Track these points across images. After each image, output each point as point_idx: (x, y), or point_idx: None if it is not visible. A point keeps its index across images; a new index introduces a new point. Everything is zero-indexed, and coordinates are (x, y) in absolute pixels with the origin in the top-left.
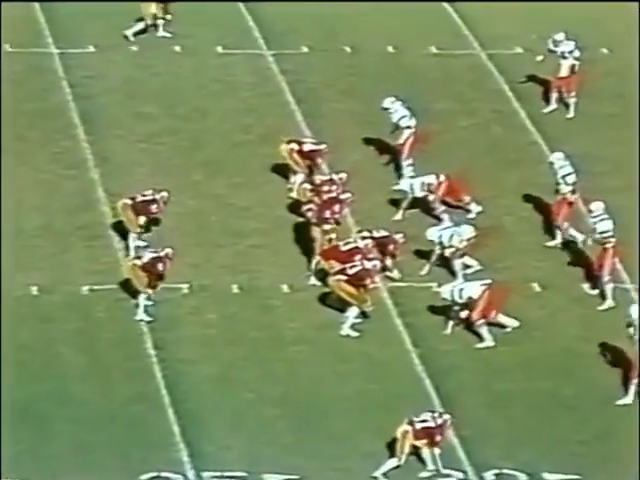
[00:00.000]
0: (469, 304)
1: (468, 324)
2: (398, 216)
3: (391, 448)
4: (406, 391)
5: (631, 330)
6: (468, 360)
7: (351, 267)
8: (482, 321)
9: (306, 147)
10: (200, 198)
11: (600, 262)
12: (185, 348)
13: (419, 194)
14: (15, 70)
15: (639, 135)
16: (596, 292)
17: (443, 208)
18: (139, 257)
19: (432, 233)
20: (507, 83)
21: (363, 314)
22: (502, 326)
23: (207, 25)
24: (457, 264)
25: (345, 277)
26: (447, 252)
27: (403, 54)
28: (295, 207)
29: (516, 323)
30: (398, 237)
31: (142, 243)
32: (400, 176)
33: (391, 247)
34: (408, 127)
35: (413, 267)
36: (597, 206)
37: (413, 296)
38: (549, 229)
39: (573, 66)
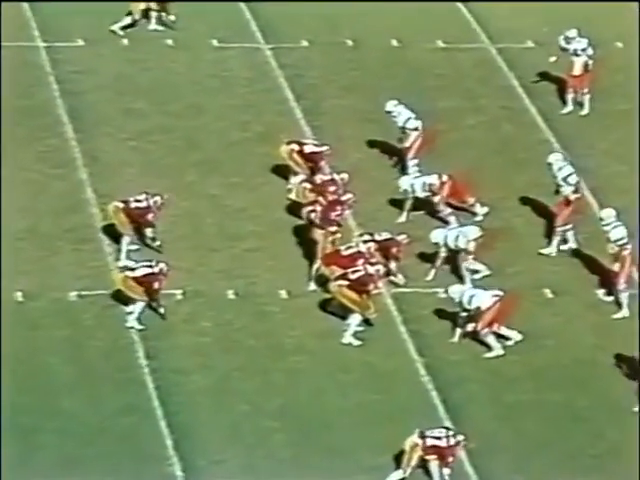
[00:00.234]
0: (475, 315)
1: (474, 335)
2: (402, 218)
3: (398, 460)
4: (411, 403)
5: None
6: (477, 370)
7: (353, 272)
8: (487, 330)
9: (307, 148)
10: (194, 199)
11: (616, 269)
12: (178, 357)
13: (420, 194)
14: None
15: (639, 134)
16: (611, 299)
17: (449, 210)
18: (131, 269)
19: (437, 235)
20: (517, 79)
21: (366, 321)
22: (505, 338)
23: (201, 17)
24: (464, 268)
25: (347, 282)
26: (454, 254)
27: (408, 48)
28: (294, 209)
29: (519, 336)
30: (401, 238)
31: (134, 247)
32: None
33: (394, 250)
34: (415, 129)
35: (418, 271)
36: (608, 213)
37: (418, 302)
38: (550, 234)
39: (586, 64)
